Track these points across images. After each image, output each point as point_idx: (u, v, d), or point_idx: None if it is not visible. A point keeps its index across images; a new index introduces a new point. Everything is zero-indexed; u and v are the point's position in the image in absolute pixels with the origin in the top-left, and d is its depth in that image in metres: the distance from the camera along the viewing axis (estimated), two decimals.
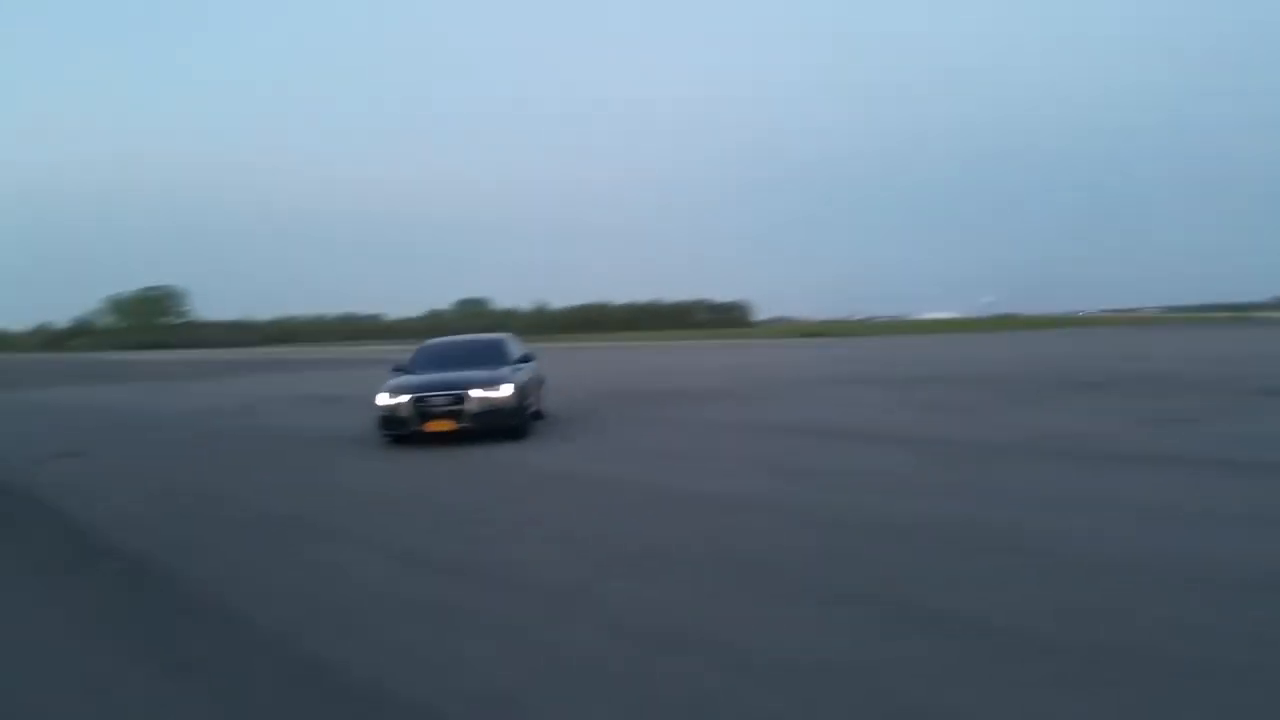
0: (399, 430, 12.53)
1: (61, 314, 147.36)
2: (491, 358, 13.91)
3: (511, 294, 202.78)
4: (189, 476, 11.18)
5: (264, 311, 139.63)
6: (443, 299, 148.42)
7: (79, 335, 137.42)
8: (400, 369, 13.93)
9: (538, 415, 14.75)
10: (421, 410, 12.42)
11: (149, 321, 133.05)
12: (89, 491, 10.16)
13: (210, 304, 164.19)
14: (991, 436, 11.60)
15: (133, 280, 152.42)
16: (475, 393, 12.41)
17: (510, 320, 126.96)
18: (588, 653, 4.44)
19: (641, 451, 11.86)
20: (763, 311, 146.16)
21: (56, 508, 9.20)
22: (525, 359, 14.58)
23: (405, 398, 12.56)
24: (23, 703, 4.25)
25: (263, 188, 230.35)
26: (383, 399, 12.76)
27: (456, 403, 12.39)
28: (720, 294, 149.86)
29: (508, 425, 12.62)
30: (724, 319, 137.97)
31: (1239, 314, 79.33)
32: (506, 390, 12.61)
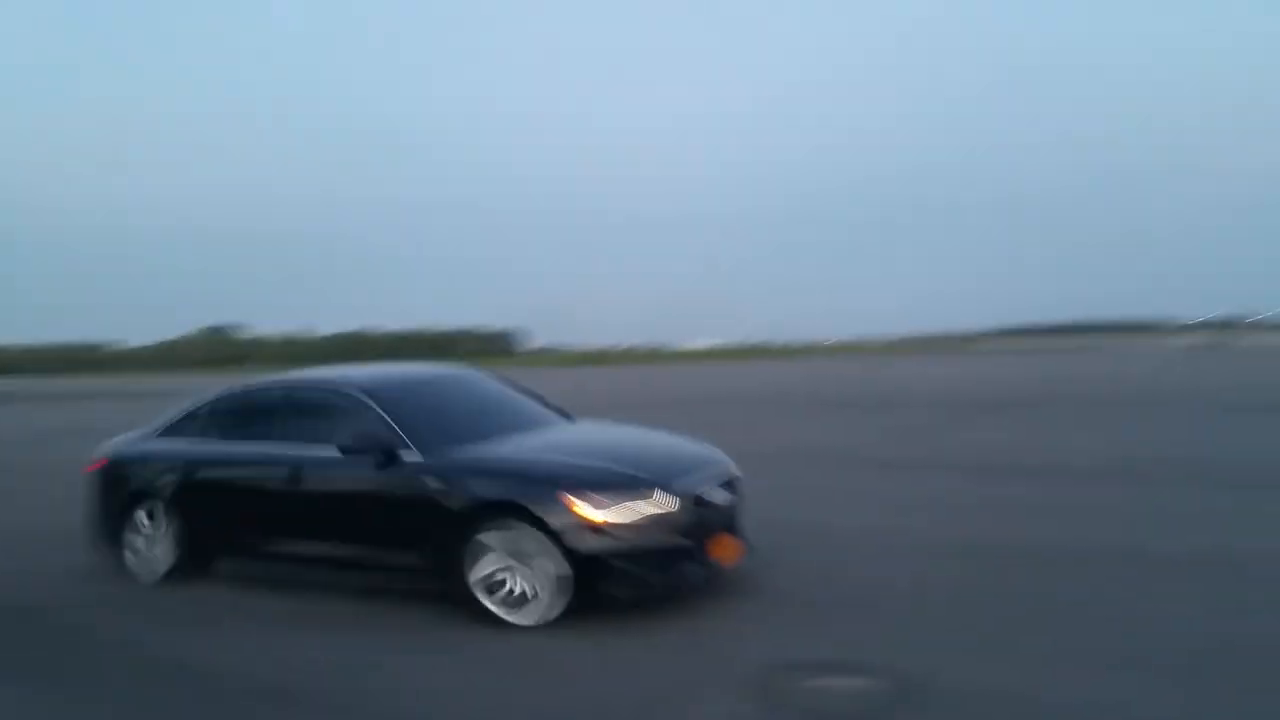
0: (662, 572, 5.41)
1: None
2: (522, 414, 7.11)
3: (269, 320, 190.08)
4: None
5: None
6: (183, 325, 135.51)
7: None
8: (357, 447, 5.90)
9: None
10: (706, 519, 5.73)
11: None
12: None
13: None
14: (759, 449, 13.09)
15: None
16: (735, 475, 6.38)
17: (258, 351, 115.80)
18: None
19: None
20: (537, 340, 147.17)
21: None
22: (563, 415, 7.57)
23: (672, 503, 5.46)
24: None
25: None
26: (589, 509, 5.26)
27: (732, 499, 6.16)
28: (496, 323, 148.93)
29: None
30: (490, 348, 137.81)
31: (962, 342, 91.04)
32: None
